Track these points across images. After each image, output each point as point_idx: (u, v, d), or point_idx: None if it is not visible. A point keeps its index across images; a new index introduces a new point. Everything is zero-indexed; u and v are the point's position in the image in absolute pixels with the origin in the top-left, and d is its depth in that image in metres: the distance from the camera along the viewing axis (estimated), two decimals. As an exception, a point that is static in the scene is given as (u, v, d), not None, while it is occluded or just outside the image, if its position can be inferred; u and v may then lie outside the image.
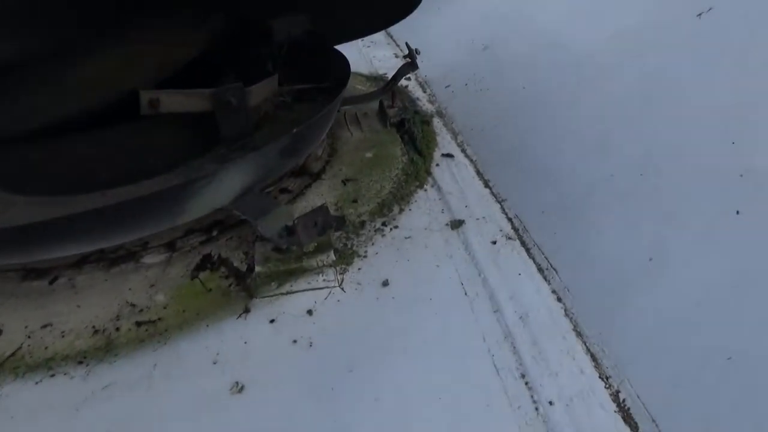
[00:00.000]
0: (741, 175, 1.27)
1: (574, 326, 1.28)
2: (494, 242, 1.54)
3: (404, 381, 1.18)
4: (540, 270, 1.44)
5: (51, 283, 1.44)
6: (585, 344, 1.24)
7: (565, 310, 1.33)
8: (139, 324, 1.33)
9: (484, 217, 1.64)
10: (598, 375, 1.17)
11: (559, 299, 1.36)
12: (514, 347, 1.24)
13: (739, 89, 1.43)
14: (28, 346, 1.27)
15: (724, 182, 1.30)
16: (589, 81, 1.84)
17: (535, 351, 1.23)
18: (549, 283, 1.40)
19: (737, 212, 1.23)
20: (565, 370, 1.18)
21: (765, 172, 1.25)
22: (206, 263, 1.49)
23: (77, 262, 1.48)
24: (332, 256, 1.47)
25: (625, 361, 1.18)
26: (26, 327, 1.31)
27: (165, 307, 1.37)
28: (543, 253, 1.48)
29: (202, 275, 1.45)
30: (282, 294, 1.39)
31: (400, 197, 1.75)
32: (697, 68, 1.55)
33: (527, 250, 1.51)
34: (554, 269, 1.43)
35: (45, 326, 1.31)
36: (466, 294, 1.38)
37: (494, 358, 1.22)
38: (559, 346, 1.24)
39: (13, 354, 1.25)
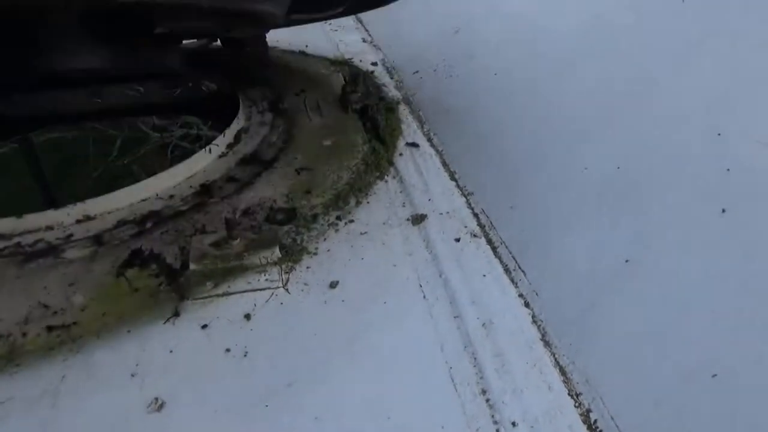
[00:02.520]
0: (728, 170, 1.15)
1: (542, 335, 1.15)
2: (458, 240, 1.40)
3: (349, 398, 1.04)
4: (507, 271, 1.31)
5: (-49, 280, 1.26)
6: (554, 356, 1.11)
7: (533, 317, 1.19)
8: (50, 329, 1.16)
9: (448, 212, 1.50)
10: (567, 392, 1.04)
11: (526, 304, 1.22)
12: (475, 359, 1.10)
13: (725, 76, 1.31)
14: None
15: (710, 177, 1.17)
16: (564, 67, 1.71)
17: (498, 363, 1.09)
18: (516, 286, 1.27)
19: (723, 210, 1.11)
20: (531, 385, 1.05)
21: (754, 168, 1.13)
22: (135, 259, 1.33)
23: (-15, 257, 1.31)
24: (277, 253, 1.31)
25: (597, 377, 1.04)
26: None
27: (83, 310, 1.20)
28: (510, 253, 1.35)
29: (130, 273, 1.29)
30: (218, 295, 1.24)
31: (358, 189, 1.60)
32: (679, 53, 1.43)
33: (493, 249, 1.37)
34: (522, 270, 1.30)
35: (-64, 331, 1.14)
36: (425, 297, 1.24)
37: (452, 371, 1.08)
38: (525, 358, 1.10)
39: None
